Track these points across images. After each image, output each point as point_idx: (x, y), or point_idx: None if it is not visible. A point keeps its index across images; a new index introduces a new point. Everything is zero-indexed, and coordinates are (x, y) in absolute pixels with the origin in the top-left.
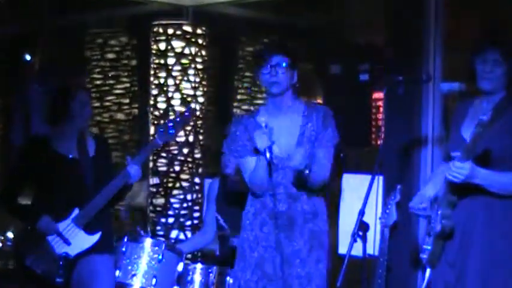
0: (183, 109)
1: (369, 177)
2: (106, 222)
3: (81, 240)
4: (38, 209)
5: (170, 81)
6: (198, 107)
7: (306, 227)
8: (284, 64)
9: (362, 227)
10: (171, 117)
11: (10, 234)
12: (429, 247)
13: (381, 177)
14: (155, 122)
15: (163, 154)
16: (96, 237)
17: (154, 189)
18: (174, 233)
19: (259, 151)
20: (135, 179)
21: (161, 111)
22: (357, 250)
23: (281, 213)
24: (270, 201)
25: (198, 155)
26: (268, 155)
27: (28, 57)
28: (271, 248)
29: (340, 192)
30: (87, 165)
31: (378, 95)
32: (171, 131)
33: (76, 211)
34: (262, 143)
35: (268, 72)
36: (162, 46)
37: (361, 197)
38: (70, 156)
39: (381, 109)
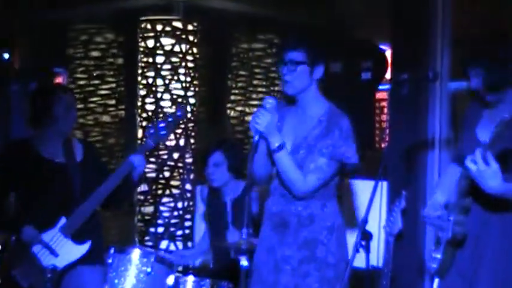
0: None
1: (372, 182)
2: (96, 230)
3: (69, 251)
4: (22, 217)
5: (159, 81)
6: (189, 109)
7: (301, 232)
8: (297, 61)
9: (365, 237)
10: (162, 117)
11: None
12: (439, 255)
13: (385, 183)
14: (143, 125)
15: (152, 159)
16: (85, 247)
17: (143, 197)
18: (164, 244)
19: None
20: (141, 168)
21: (149, 113)
22: (360, 261)
23: (274, 214)
24: (270, 202)
25: (189, 160)
26: (256, 137)
27: (6, 56)
28: (265, 250)
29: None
30: (75, 171)
31: (382, 94)
32: (162, 132)
33: (63, 220)
34: (258, 124)
35: (282, 70)
36: (151, 43)
37: (363, 204)
38: (56, 160)
39: (385, 110)
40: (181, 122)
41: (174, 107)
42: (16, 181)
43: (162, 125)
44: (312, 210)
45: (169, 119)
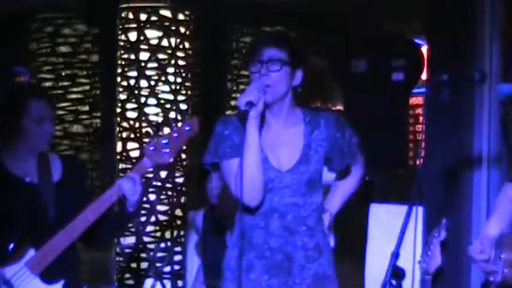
0: (174, 122)
1: (404, 208)
2: (71, 268)
3: None
4: None
5: (143, 83)
6: (179, 116)
7: (309, 269)
8: (280, 60)
9: (396, 274)
10: (166, 132)
11: None
12: None
13: (420, 209)
14: (123, 136)
15: None
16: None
17: None
18: (148, 283)
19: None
20: (134, 197)
21: (131, 122)
22: None
23: (273, 250)
24: (260, 235)
25: (179, 180)
26: (246, 108)
27: None
28: None
29: (366, 227)
30: (49, 193)
31: (416, 99)
32: (165, 151)
33: (31, 252)
34: (247, 95)
35: (258, 70)
36: (133, 36)
37: (394, 233)
38: (26, 179)
39: (420, 118)
40: (189, 140)
41: (161, 114)
42: None
43: (165, 141)
44: (318, 241)
45: (175, 135)
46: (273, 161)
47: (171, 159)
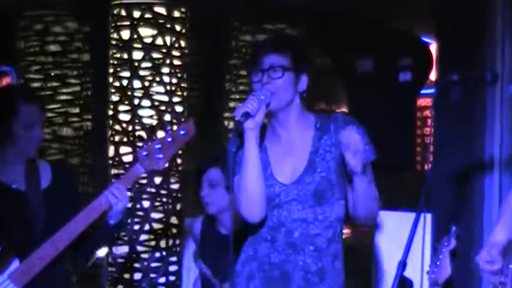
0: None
1: (412, 215)
2: (58, 280)
3: None
4: None
5: (136, 84)
6: (174, 119)
7: None
8: (283, 66)
9: (403, 285)
10: (161, 137)
11: None
12: None
13: (428, 216)
14: (115, 140)
15: None
16: None
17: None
18: None
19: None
20: (116, 208)
21: (124, 125)
22: None
23: (273, 265)
24: (265, 248)
25: (175, 186)
26: (241, 119)
27: None
28: None
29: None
30: (37, 200)
31: (425, 101)
32: (158, 156)
33: (15, 263)
34: (246, 107)
35: (259, 79)
36: (126, 35)
37: (400, 242)
38: (13, 186)
39: (429, 121)
40: (185, 144)
41: (156, 117)
42: None
43: (158, 146)
44: (323, 263)
45: (169, 139)
46: (278, 175)
47: (165, 165)
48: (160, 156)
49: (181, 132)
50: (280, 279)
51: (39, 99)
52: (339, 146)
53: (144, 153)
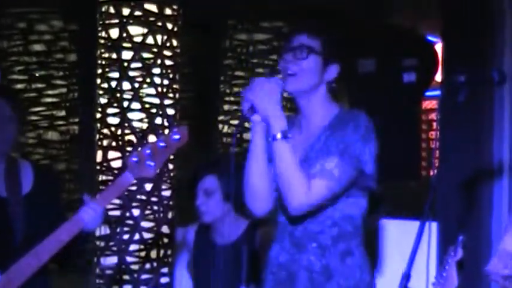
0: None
1: (416, 223)
2: None
3: None
4: None
5: (126, 85)
6: (166, 122)
7: None
8: (309, 48)
9: None
10: (152, 142)
11: None
12: None
13: (434, 224)
14: (103, 145)
15: None
16: None
17: (103, 243)
18: None
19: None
20: (90, 227)
21: (113, 129)
22: None
23: (280, 266)
24: (275, 249)
25: (166, 193)
26: (247, 114)
27: None
28: None
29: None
30: (17, 208)
31: (430, 103)
32: (149, 163)
33: None
34: (253, 92)
35: (284, 58)
36: (114, 33)
37: (404, 252)
38: None
39: (434, 124)
40: (177, 149)
41: (146, 120)
42: None
43: (148, 151)
44: (327, 261)
45: (160, 144)
46: None
47: (156, 173)
48: (152, 163)
49: (175, 136)
50: (287, 281)
51: (10, 93)
52: (339, 129)
53: (134, 159)
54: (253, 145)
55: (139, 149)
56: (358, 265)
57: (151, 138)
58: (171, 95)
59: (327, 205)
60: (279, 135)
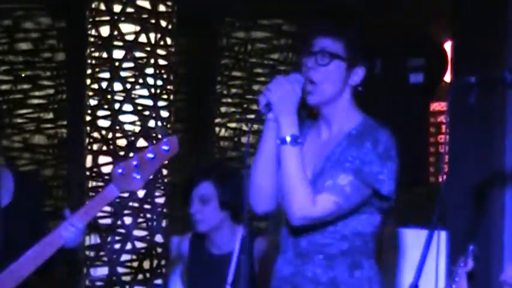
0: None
1: (424, 232)
2: None
3: None
4: None
5: (117, 86)
6: (159, 125)
7: None
8: (332, 53)
9: None
10: (139, 153)
11: None
12: None
13: (443, 233)
14: (93, 149)
15: None
16: None
17: (93, 253)
18: None
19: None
20: (71, 244)
21: (103, 132)
22: None
23: (285, 280)
24: (279, 261)
25: (160, 200)
26: (263, 110)
27: None
28: None
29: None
30: None
31: (439, 105)
32: (135, 175)
33: None
34: (270, 91)
35: (305, 64)
36: (105, 31)
37: (412, 263)
38: None
39: (443, 127)
40: (167, 160)
41: (139, 123)
42: None
43: (135, 163)
44: (335, 273)
45: (149, 155)
46: None
47: (142, 186)
48: (138, 176)
49: (164, 147)
50: None
51: None
52: (358, 143)
53: (119, 170)
54: (264, 142)
55: (126, 160)
56: (367, 278)
57: (144, 142)
58: (165, 96)
59: (334, 220)
60: (288, 139)
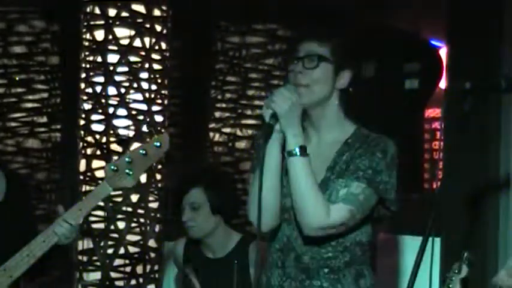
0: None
1: (418, 239)
2: None
3: None
4: None
5: (111, 90)
6: (153, 129)
7: None
8: (320, 55)
9: None
10: (132, 150)
11: None
12: None
13: (437, 240)
14: (87, 153)
15: (100, 203)
16: None
17: (86, 258)
18: None
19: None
20: (65, 241)
21: (97, 136)
22: None
23: None
24: (277, 276)
25: (153, 205)
26: (271, 121)
27: None
28: None
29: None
30: None
31: (434, 111)
32: (128, 172)
33: None
34: (274, 102)
35: (293, 69)
36: (100, 35)
37: (406, 269)
38: None
39: (438, 134)
40: (160, 159)
41: (132, 127)
42: None
43: (128, 160)
44: (342, 286)
45: (141, 152)
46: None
47: (134, 183)
48: (131, 173)
49: (155, 144)
50: None
51: None
52: (367, 153)
53: (112, 167)
54: (269, 157)
55: (118, 157)
56: (369, 286)
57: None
58: (159, 101)
59: (346, 231)
60: (297, 151)
